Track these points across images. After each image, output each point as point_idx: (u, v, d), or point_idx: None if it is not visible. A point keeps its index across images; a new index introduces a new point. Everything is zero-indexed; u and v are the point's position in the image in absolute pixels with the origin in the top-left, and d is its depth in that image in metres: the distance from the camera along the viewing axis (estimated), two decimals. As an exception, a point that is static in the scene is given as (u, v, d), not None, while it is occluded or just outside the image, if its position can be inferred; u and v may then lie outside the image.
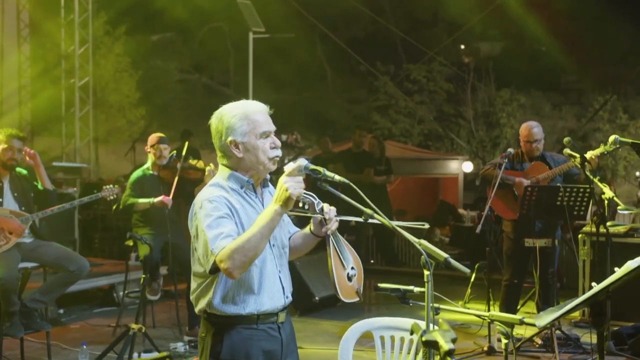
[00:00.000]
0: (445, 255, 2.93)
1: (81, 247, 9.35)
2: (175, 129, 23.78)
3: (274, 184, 3.45)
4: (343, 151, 10.90)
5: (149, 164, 7.00)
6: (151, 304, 7.19)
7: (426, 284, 2.94)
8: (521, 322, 2.96)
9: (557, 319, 2.85)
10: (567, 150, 6.03)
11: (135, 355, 6.07)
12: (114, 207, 6.99)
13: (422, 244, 2.96)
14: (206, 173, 6.60)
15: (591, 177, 5.81)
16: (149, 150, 6.98)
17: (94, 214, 9.65)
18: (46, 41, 12.69)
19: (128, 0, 17.91)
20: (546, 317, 2.81)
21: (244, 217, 3.14)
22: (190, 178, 6.96)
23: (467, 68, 24.32)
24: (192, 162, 7.05)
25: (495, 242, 7.05)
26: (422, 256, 2.93)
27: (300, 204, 3.33)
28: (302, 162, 3.27)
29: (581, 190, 6.27)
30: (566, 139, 5.86)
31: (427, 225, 3.29)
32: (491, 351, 6.41)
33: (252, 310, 3.16)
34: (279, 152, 3.24)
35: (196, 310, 3.24)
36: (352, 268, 3.39)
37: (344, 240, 3.40)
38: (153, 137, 7.03)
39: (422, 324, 2.87)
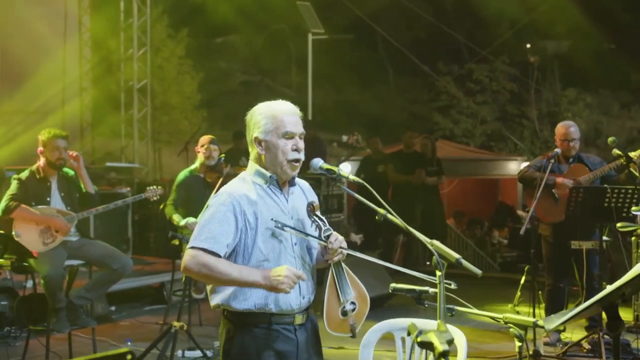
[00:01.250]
0: (456, 255, 2.90)
1: (137, 246, 9.53)
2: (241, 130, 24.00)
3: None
4: (394, 152, 10.85)
5: (196, 164, 7.10)
6: (197, 302, 7.28)
7: (438, 285, 2.91)
8: (535, 325, 2.90)
9: (565, 322, 2.78)
10: (615, 151, 5.88)
11: (179, 353, 6.17)
12: (160, 208, 7.11)
13: (434, 244, 2.94)
14: None
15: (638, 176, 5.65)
16: (199, 150, 7.08)
17: (149, 214, 9.82)
18: (106, 45, 12.96)
19: (190, 3, 18.16)
20: (555, 320, 2.74)
21: (263, 209, 3.18)
22: None
23: (532, 67, 23.88)
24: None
25: (535, 245, 6.90)
26: (434, 257, 2.90)
27: (311, 226, 3.31)
28: (317, 162, 3.27)
29: (629, 191, 6.09)
30: (610, 139, 5.72)
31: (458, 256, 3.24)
32: (536, 355, 6.29)
33: (263, 308, 3.17)
34: (298, 156, 3.23)
35: (211, 305, 3.27)
36: (352, 303, 3.35)
37: (348, 271, 3.35)
38: (205, 138, 7.13)
39: (420, 325, 2.84)
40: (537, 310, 6.91)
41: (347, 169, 13.07)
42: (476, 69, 23.51)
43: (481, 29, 25.28)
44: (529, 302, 8.16)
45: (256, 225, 3.17)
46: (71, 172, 6.16)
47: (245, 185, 3.24)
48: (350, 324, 3.34)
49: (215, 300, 3.23)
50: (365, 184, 3.19)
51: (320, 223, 3.26)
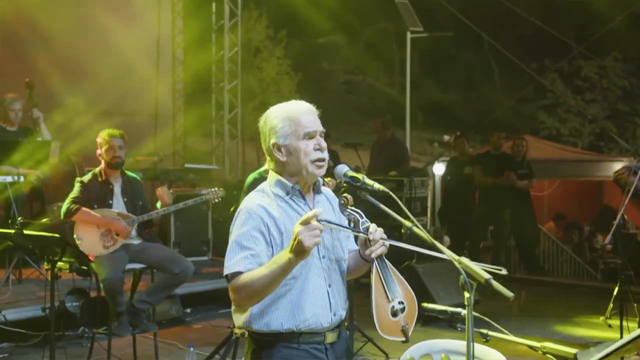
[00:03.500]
0: (487, 275, 2.58)
1: (217, 248, 9.48)
2: (339, 129, 23.96)
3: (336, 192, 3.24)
4: (481, 154, 10.40)
5: (267, 165, 6.92)
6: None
7: (467, 308, 2.60)
8: (575, 358, 2.54)
9: (607, 356, 2.41)
10: None
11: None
12: (231, 210, 7.00)
13: (462, 262, 2.62)
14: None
15: None
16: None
17: (232, 215, 9.76)
18: (198, 46, 13.07)
19: (291, 5, 18.16)
20: (589, 356, 2.38)
21: (287, 223, 2.94)
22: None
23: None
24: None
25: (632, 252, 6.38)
26: (461, 276, 2.59)
27: (346, 220, 3.08)
28: (341, 169, 3.02)
29: None
30: None
31: (504, 271, 2.89)
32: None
33: (291, 327, 2.93)
34: (323, 155, 2.99)
35: (236, 325, 3.07)
36: (400, 302, 3.05)
37: (392, 268, 3.07)
38: None
39: (454, 357, 2.54)
40: (630, 324, 6.39)
41: (439, 169, 12.70)
42: (585, 65, 22.51)
43: (592, 24, 24.17)
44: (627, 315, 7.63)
45: (281, 241, 2.94)
46: (137, 176, 6.12)
47: (265, 198, 3.01)
48: (401, 326, 3.05)
49: (239, 320, 3.01)
50: (391, 193, 2.91)
51: (357, 216, 3.02)
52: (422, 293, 7.33)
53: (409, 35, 15.32)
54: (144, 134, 11.45)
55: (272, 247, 2.93)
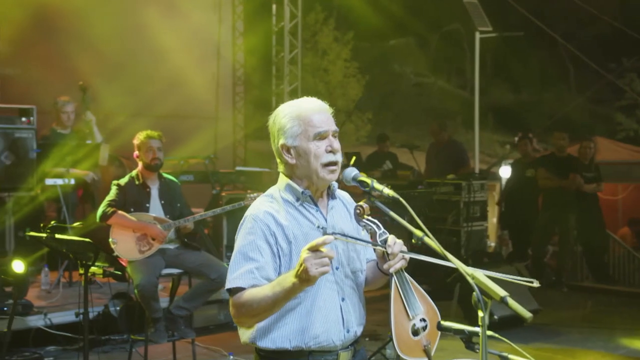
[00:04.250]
0: (502, 293, 2.29)
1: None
2: (409, 132, 23.63)
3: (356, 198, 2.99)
4: (545, 156, 9.92)
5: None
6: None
7: (481, 328, 2.31)
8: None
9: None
10: None
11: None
12: None
13: (476, 277, 2.34)
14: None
15: None
16: None
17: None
18: (258, 48, 13.00)
19: (361, 7, 17.97)
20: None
21: (296, 231, 2.73)
22: (351, 192, 6.56)
23: None
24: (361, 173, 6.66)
25: None
26: (474, 293, 2.31)
27: (363, 231, 2.83)
28: (349, 172, 2.78)
29: None
30: None
31: (536, 284, 2.60)
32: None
33: (299, 345, 2.71)
34: (335, 157, 2.76)
35: (241, 341, 2.85)
36: (422, 320, 2.81)
37: (413, 283, 2.82)
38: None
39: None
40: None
41: (506, 172, 12.24)
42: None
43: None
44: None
45: (290, 251, 2.72)
46: (176, 180, 6.00)
47: (273, 204, 2.79)
48: (423, 346, 2.81)
49: (244, 335, 2.80)
50: (402, 199, 2.65)
51: (374, 226, 2.77)
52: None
53: (477, 36, 14.93)
54: (201, 136, 11.42)
55: (280, 258, 2.72)
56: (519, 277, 2.65)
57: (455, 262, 2.44)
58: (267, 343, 2.72)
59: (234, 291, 2.66)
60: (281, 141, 2.79)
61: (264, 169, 9.22)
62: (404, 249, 2.76)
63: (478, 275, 2.32)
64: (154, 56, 10.89)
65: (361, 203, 2.79)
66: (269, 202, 2.80)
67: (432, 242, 2.52)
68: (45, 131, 8.12)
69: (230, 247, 8.82)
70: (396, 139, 20.02)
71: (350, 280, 2.84)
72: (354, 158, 6.70)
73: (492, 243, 11.23)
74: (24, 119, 8.31)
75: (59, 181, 7.45)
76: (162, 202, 5.77)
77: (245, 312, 2.64)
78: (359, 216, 2.78)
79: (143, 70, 10.70)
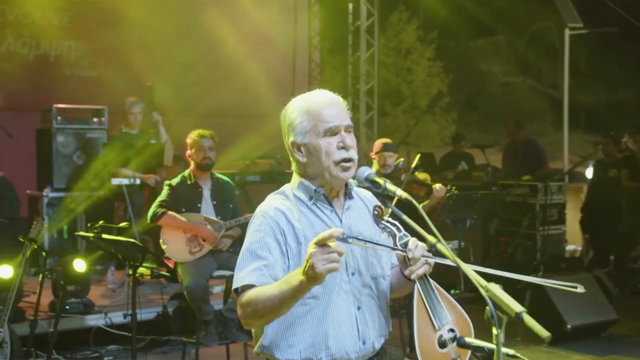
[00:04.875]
0: (518, 308, 2.04)
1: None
2: (496, 132, 23.07)
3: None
4: (628, 155, 9.34)
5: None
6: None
7: (496, 347, 2.07)
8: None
9: None
10: None
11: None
12: None
13: (490, 290, 2.09)
14: (433, 191, 5.95)
15: None
16: (373, 157, 6.51)
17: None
18: (334, 47, 12.86)
19: (448, 6, 17.61)
20: None
21: (307, 231, 2.54)
22: (413, 193, 6.31)
23: None
24: (420, 175, 6.43)
25: None
26: (487, 307, 2.07)
27: (382, 234, 2.62)
28: (363, 172, 2.58)
29: None
30: None
31: (580, 289, 2.34)
32: None
33: (310, 357, 2.53)
34: (348, 154, 2.56)
35: (253, 351, 2.69)
36: (451, 330, 2.57)
37: (439, 289, 2.59)
38: (378, 144, 6.54)
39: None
40: None
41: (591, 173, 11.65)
42: None
43: None
44: None
45: (299, 251, 2.53)
46: (227, 179, 5.90)
47: (286, 202, 2.62)
48: (451, 359, 2.56)
49: (255, 346, 2.64)
50: (415, 202, 2.42)
51: (394, 229, 2.56)
52: (549, 312, 6.62)
53: (567, 32, 14.41)
54: (277, 136, 11.34)
55: (289, 258, 2.54)
56: (560, 282, 2.40)
57: (468, 272, 2.19)
58: (276, 354, 2.55)
59: (240, 290, 2.50)
60: (291, 138, 2.62)
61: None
62: (427, 253, 2.54)
63: (493, 288, 2.08)
64: (227, 57, 10.90)
65: (378, 204, 2.59)
66: (282, 199, 2.64)
67: (445, 250, 2.29)
68: (114, 132, 8.21)
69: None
70: (483, 139, 19.56)
71: (369, 287, 2.63)
72: (417, 156, 6.44)
73: (578, 247, 10.70)
74: (95, 119, 8.46)
75: (125, 181, 7.49)
76: (214, 202, 5.68)
77: (251, 312, 2.45)
78: (377, 217, 2.60)
79: (217, 71, 10.71)
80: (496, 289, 2.07)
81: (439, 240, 2.33)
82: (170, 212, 5.48)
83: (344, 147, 2.56)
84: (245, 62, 11.06)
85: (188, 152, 5.72)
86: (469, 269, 2.20)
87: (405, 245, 2.52)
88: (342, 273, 2.56)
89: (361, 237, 2.53)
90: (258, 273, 2.48)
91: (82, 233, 5.14)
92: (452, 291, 6.61)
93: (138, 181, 7.48)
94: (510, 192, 8.53)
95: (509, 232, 8.48)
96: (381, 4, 12.75)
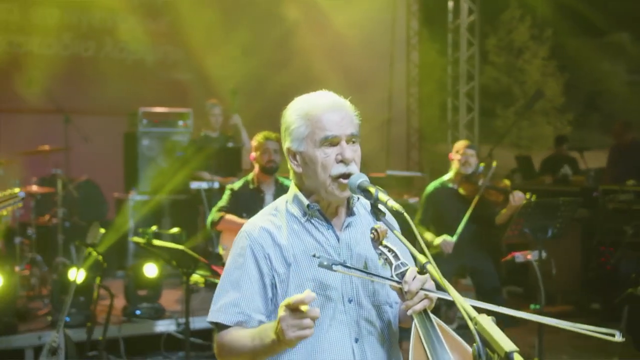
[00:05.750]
0: (509, 347, 1.66)
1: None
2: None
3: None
4: None
5: (450, 174, 6.19)
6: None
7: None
8: None
9: None
10: None
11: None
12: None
13: (480, 324, 1.72)
14: (510, 199, 5.55)
15: None
16: (453, 157, 6.14)
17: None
18: (433, 48, 12.42)
19: (566, 3, 16.82)
20: None
21: (298, 254, 2.26)
22: (490, 200, 5.90)
23: None
24: (505, 181, 6.03)
25: None
26: (475, 344, 1.71)
27: (380, 261, 2.28)
28: (356, 179, 2.24)
29: None
30: None
31: (618, 337, 1.89)
32: None
33: None
34: (347, 169, 2.25)
35: None
36: None
37: (441, 326, 2.20)
38: (461, 143, 6.17)
39: None
40: None
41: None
42: None
43: None
44: None
45: (288, 276, 2.26)
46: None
47: (275, 219, 2.34)
48: None
49: None
50: (406, 215, 2.07)
51: (390, 256, 2.21)
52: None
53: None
54: (373, 139, 11.11)
55: (275, 286, 2.26)
56: (594, 328, 1.95)
57: (457, 300, 1.83)
58: None
59: (217, 333, 2.29)
60: (287, 144, 2.34)
61: (416, 173, 8.67)
62: (431, 284, 2.16)
63: (483, 321, 1.71)
64: (324, 56, 10.74)
65: (376, 226, 2.24)
66: (271, 216, 2.36)
67: (434, 272, 1.94)
68: (195, 134, 8.17)
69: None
70: (604, 141, 18.52)
71: (370, 317, 2.31)
72: (494, 163, 6.01)
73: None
74: (181, 122, 8.46)
75: (203, 185, 7.42)
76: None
77: (226, 354, 2.25)
78: (374, 241, 2.24)
79: (310, 71, 10.55)
80: (487, 322, 1.71)
81: (429, 261, 1.98)
82: (228, 216, 5.31)
83: (343, 161, 2.25)
84: (343, 60, 10.86)
85: (253, 154, 5.52)
86: (461, 298, 1.83)
87: (402, 275, 2.16)
88: (336, 302, 2.26)
89: (349, 264, 2.24)
90: (234, 310, 2.24)
91: (135, 239, 5.03)
92: (532, 306, 6.12)
93: (217, 185, 7.37)
94: (614, 199, 7.87)
95: (612, 241, 7.81)
96: (484, 1, 12.22)
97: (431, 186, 6.22)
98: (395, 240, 2.24)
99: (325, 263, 2.12)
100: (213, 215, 5.35)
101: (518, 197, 5.60)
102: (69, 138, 7.74)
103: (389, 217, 2.32)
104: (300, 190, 2.35)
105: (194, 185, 7.45)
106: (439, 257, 6.09)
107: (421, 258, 2.01)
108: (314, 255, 2.16)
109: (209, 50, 9.86)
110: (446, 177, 6.23)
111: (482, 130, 12.03)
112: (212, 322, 2.29)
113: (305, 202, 2.31)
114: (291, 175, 2.40)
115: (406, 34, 12.31)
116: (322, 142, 2.25)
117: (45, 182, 7.47)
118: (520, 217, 5.25)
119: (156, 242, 4.72)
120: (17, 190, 4.10)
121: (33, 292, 6.95)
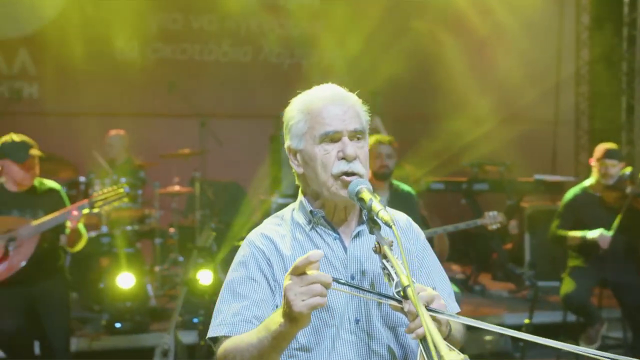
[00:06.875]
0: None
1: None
2: None
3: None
4: None
5: (591, 180, 5.70)
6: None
7: None
8: None
9: None
10: None
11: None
12: (549, 237, 5.84)
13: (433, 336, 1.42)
14: None
15: None
16: (593, 164, 5.66)
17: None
18: (606, 43, 11.52)
19: None
20: None
21: None
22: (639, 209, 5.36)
23: None
24: None
25: None
26: None
27: (385, 277, 2.01)
28: (356, 184, 2.00)
29: None
30: None
31: None
32: None
33: None
34: (349, 167, 2.04)
35: None
36: None
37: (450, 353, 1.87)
38: (600, 149, 5.67)
39: None
40: None
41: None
42: None
43: None
44: None
45: None
46: (409, 190, 5.39)
47: (280, 227, 2.17)
48: None
49: None
50: (393, 227, 1.82)
51: (392, 272, 1.92)
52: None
53: None
54: (538, 142, 10.61)
55: (278, 296, 2.06)
56: (600, 353, 1.62)
57: (430, 333, 1.52)
58: None
59: (215, 341, 2.08)
60: (287, 142, 2.16)
61: (568, 177, 8.04)
62: (441, 303, 1.90)
63: (435, 336, 1.41)
64: (479, 53, 10.39)
65: (379, 240, 1.96)
66: (275, 224, 2.19)
67: (413, 296, 1.65)
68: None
69: (532, 265, 7.85)
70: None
71: (382, 339, 2.06)
72: (626, 170, 5.47)
73: None
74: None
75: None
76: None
77: None
78: (376, 253, 1.97)
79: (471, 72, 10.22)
80: (439, 339, 1.41)
81: (410, 284, 1.70)
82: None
83: (345, 158, 2.04)
84: (506, 57, 10.49)
85: None
86: (434, 330, 1.54)
87: (402, 294, 1.86)
88: (342, 319, 2.03)
89: (357, 280, 2.03)
90: (237, 319, 2.03)
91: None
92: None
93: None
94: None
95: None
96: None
97: (571, 192, 5.74)
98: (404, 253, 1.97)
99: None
100: None
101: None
102: (204, 142, 7.92)
103: (406, 229, 2.21)
104: (305, 195, 2.16)
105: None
106: (579, 270, 5.61)
107: (404, 280, 1.73)
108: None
109: (365, 53, 9.78)
110: (587, 182, 5.74)
111: (659, 131, 11.01)
112: (211, 339, 2.10)
113: (308, 207, 2.12)
114: (296, 178, 2.21)
115: (575, 29, 11.57)
116: (322, 138, 2.06)
117: (187, 184, 7.71)
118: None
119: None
120: (120, 190, 4.20)
121: (172, 292, 7.15)
